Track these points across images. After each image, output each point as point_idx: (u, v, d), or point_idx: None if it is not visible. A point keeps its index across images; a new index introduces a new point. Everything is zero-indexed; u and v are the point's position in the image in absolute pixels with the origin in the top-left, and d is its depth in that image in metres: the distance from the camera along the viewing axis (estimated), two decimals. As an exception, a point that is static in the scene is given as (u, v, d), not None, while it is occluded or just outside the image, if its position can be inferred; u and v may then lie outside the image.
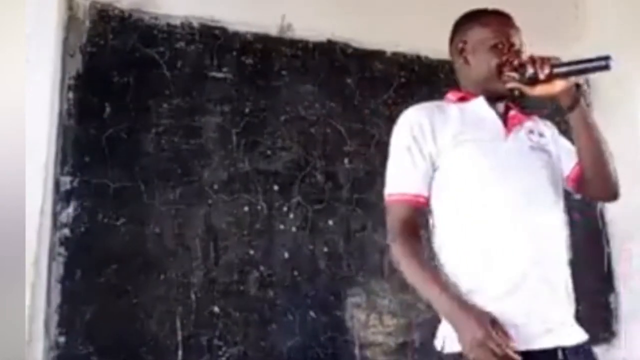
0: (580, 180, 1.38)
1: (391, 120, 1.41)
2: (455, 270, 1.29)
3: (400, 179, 1.33)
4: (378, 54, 2.40)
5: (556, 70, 1.24)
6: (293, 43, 2.27)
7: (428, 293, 1.25)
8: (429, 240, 1.38)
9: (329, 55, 2.32)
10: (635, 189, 2.02)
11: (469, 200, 1.28)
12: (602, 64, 1.21)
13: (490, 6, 1.44)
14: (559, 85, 1.25)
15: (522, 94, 1.32)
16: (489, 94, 1.37)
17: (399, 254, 1.30)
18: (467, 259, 1.27)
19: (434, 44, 2.31)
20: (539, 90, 1.27)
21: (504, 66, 1.33)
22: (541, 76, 1.24)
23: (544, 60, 1.25)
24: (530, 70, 1.25)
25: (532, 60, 1.26)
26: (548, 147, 1.39)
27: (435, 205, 1.33)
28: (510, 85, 1.32)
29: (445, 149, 1.30)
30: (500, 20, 1.40)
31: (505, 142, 1.33)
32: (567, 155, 1.40)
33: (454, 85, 1.48)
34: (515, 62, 1.30)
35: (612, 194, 1.39)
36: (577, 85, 1.29)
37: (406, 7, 2.41)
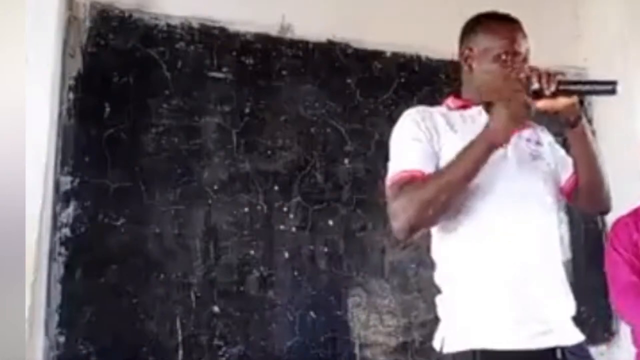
0: (574, 192, 1.40)
1: (391, 120, 1.41)
2: (453, 274, 1.29)
3: (405, 159, 1.28)
4: (378, 54, 2.40)
5: (562, 87, 1.24)
6: (293, 43, 2.27)
7: (460, 167, 1.21)
8: (427, 249, 1.38)
9: (329, 55, 2.32)
10: (635, 188, 2.03)
11: (467, 207, 1.27)
12: (608, 88, 1.24)
13: (493, 8, 1.42)
14: (562, 102, 1.25)
15: None
16: (489, 102, 1.37)
17: (409, 196, 1.21)
18: (465, 263, 1.27)
19: (434, 44, 2.33)
20: (543, 104, 1.25)
21: (507, 79, 1.30)
22: (547, 92, 1.23)
23: (550, 76, 1.23)
24: (535, 85, 1.23)
25: (539, 74, 1.24)
26: (545, 155, 1.39)
27: None
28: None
29: (446, 154, 1.28)
30: (506, 27, 1.37)
31: (504, 150, 1.33)
32: (562, 166, 1.41)
33: (454, 85, 1.48)
34: (522, 75, 1.27)
35: (604, 208, 1.43)
36: (580, 102, 1.29)
37: (406, 8, 2.41)
